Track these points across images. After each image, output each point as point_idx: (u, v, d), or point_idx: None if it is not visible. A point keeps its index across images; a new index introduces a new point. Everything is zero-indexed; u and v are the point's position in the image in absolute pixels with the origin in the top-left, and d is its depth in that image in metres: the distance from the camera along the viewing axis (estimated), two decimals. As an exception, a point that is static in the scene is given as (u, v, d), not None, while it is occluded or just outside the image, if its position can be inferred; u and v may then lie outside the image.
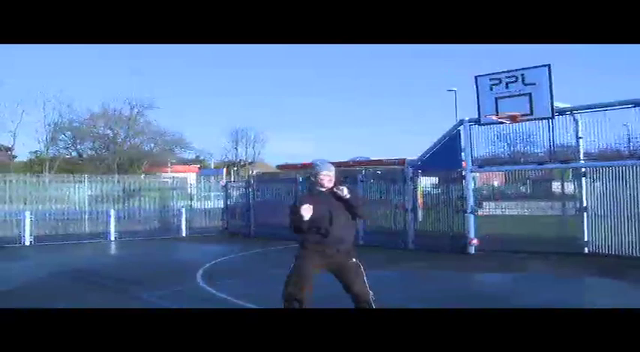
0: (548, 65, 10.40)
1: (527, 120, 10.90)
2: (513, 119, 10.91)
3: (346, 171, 15.41)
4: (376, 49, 68.70)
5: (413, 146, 76.88)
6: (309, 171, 4.61)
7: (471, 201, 11.78)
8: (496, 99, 10.98)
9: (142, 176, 26.31)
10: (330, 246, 4.48)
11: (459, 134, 12.10)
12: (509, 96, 10.82)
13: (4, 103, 35.77)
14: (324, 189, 4.57)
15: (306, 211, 4.39)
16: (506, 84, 10.89)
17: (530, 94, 10.57)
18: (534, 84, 10.53)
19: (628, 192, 10.19)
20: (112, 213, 15.93)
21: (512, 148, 12.82)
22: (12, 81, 57.70)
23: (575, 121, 11.01)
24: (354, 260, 4.56)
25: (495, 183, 17.51)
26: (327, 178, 4.56)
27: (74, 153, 42.05)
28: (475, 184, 12.52)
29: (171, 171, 40.65)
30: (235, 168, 51.49)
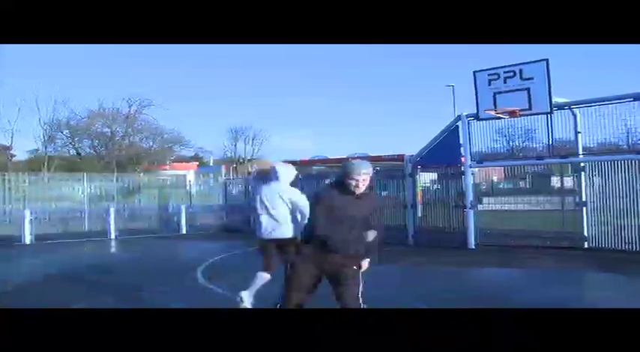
0: (546, 60, 10.41)
1: (526, 115, 10.91)
2: (512, 114, 10.92)
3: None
4: (375, 46, 68.56)
5: (412, 142, 76.91)
6: (341, 170, 4.07)
7: (470, 197, 11.80)
8: (494, 94, 10.99)
9: (141, 174, 26.30)
10: (338, 255, 3.97)
11: (458, 129, 12.11)
12: (507, 92, 10.83)
13: (2, 103, 35.68)
14: (357, 192, 3.96)
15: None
16: (505, 79, 10.90)
17: (528, 89, 10.58)
18: (532, 79, 10.54)
19: (627, 186, 10.21)
20: (112, 211, 15.92)
21: (511, 143, 12.86)
22: (10, 80, 57.58)
23: (574, 116, 11.03)
24: (355, 267, 4.08)
25: (494, 179, 17.54)
26: (363, 181, 3.94)
27: (72, 152, 42.00)
28: (474, 180, 12.54)
29: (170, 169, 40.60)
30: (234, 166, 51.46)
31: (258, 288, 5.62)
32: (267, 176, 6.17)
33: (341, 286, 3.99)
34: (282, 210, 5.58)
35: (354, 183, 3.91)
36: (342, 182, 4.01)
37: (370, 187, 4.10)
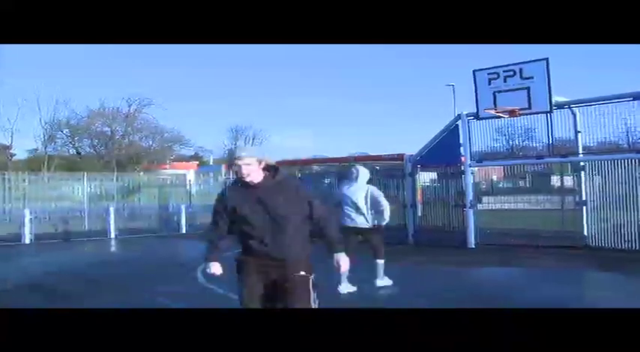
0: (546, 59, 10.41)
1: (526, 114, 10.91)
2: (512, 113, 10.92)
3: (345, 168, 15.43)
4: (375, 46, 68.51)
5: (412, 142, 76.92)
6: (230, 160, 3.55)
7: (470, 196, 11.80)
8: (494, 93, 10.99)
9: (141, 173, 26.31)
10: (272, 261, 3.38)
11: (458, 129, 12.11)
12: (507, 91, 10.83)
13: (2, 103, 35.65)
14: (253, 181, 3.41)
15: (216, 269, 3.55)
16: (505, 78, 10.90)
17: (528, 88, 10.57)
18: (532, 78, 10.53)
19: (627, 185, 10.21)
20: (112, 210, 15.92)
21: (510, 143, 12.87)
22: (11, 80, 57.56)
23: (574, 115, 11.03)
24: (302, 273, 3.40)
25: (494, 178, 17.56)
26: (244, 165, 3.35)
27: (72, 151, 42.00)
28: (474, 179, 12.54)
29: (170, 168, 40.60)
30: (234, 165, 51.26)
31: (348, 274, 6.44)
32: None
33: (286, 300, 3.38)
34: (362, 204, 6.83)
35: (237, 170, 3.39)
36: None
37: (274, 168, 3.53)
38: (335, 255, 3.55)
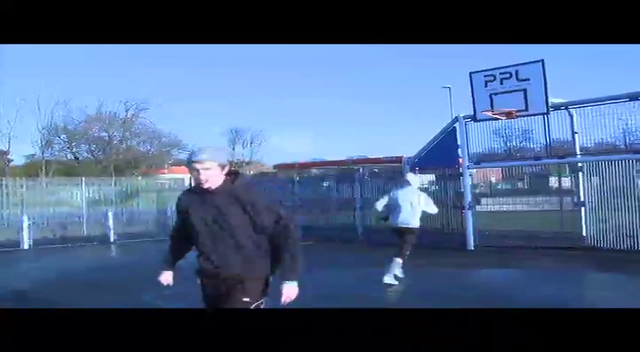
0: (542, 61, 10.45)
1: (523, 116, 10.93)
2: (509, 115, 10.95)
3: (344, 170, 15.43)
4: (373, 46, 68.58)
5: (411, 143, 76.93)
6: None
7: (468, 198, 11.81)
8: (491, 95, 11.01)
9: (139, 178, 26.28)
10: (221, 280, 3.04)
11: (455, 131, 12.13)
12: (503, 93, 10.86)
13: (1, 104, 35.52)
14: (211, 187, 2.97)
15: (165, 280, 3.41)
16: (501, 80, 10.94)
17: (524, 90, 10.61)
18: (528, 80, 10.57)
19: (625, 186, 10.23)
20: (110, 215, 15.89)
21: (508, 144, 12.90)
22: (11, 80, 57.36)
23: (571, 116, 11.06)
24: (246, 299, 2.98)
25: (493, 180, 17.57)
26: (202, 170, 2.90)
27: (70, 156, 41.94)
28: (472, 181, 12.55)
29: (169, 173, 40.55)
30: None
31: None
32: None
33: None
34: (416, 205, 7.61)
35: (194, 174, 2.93)
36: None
37: (235, 173, 3.09)
38: (284, 283, 3.04)
